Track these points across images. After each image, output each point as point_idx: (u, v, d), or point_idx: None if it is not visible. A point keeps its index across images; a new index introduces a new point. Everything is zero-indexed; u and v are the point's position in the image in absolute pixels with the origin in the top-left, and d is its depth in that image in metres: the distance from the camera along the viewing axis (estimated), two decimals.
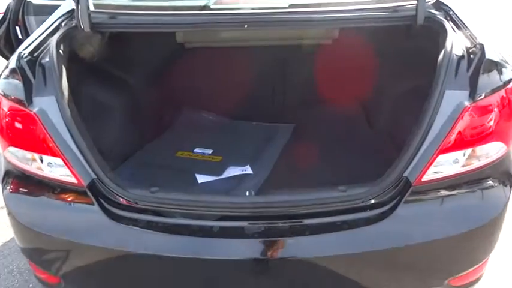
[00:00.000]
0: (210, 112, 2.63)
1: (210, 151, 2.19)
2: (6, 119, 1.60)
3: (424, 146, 1.48)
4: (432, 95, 1.51)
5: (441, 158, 1.49)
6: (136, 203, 1.52)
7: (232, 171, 2.02)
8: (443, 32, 1.65)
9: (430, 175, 1.49)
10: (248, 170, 2.03)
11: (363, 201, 1.49)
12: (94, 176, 1.52)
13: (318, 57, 2.48)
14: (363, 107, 2.54)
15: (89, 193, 1.51)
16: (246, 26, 1.69)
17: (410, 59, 2.07)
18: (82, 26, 1.73)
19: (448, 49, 1.56)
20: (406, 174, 1.49)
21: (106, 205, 1.52)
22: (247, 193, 1.79)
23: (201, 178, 1.97)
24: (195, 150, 2.20)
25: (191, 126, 2.50)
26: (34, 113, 1.51)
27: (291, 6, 1.73)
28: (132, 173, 2.01)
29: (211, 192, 1.82)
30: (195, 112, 2.62)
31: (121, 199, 1.53)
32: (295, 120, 2.51)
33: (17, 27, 2.70)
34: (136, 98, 2.28)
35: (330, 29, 2.23)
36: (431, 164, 1.48)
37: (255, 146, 2.26)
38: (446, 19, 1.73)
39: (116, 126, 2.14)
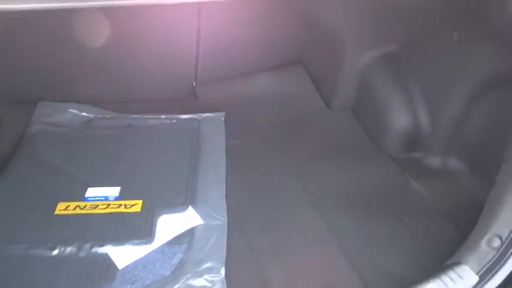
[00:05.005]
0: (85, 106, 1.62)
1: (117, 190, 1.28)
2: None
3: None
4: None
5: None
6: None
7: (169, 228, 1.19)
8: None
9: None
10: (193, 216, 1.23)
11: None
12: None
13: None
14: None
15: None
16: None
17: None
18: None
19: None
20: None
21: None
22: None
23: (120, 259, 1.11)
24: (88, 197, 1.26)
25: (60, 139, 1.49)
26: None
27: None
28: None
29: None
30: (60, 111, 1.58)
31: None
32: (220, 105, 1.68)
33: None
34: None
35: None
36: None
37: (182, 159, 1.42)
38: None
39: None
